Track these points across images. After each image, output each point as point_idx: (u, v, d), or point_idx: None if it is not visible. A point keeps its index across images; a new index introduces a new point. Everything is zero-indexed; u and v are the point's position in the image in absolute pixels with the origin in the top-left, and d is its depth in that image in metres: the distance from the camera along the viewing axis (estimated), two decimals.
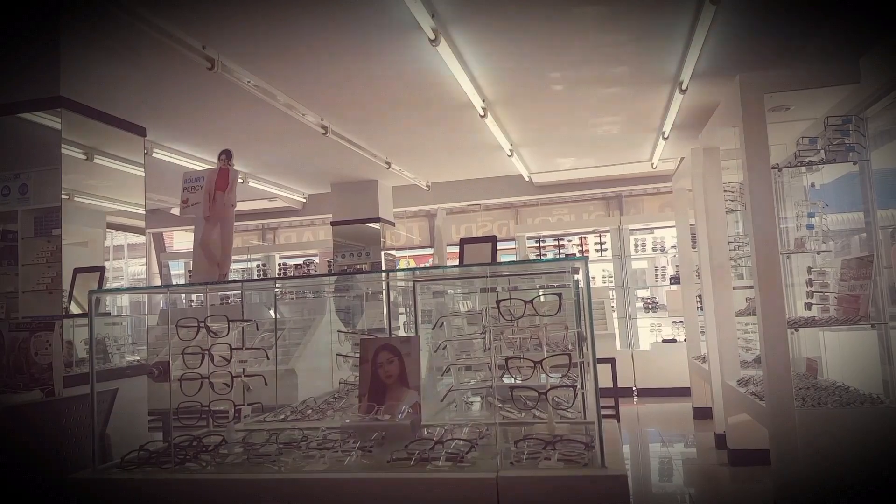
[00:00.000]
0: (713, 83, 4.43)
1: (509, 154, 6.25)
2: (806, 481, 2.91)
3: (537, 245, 8.09)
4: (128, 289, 4.07)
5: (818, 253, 3.58)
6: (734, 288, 4.36)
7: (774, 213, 3.26)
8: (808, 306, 3.48)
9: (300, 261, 9.36)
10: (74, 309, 3.20)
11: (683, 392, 6.19)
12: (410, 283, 2.81)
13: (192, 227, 2.17)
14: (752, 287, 3.71)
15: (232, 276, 2.33)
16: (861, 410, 2.94)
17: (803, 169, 3.59)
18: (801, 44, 3.81)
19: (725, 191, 4.39)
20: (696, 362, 5.42)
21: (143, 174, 3.77)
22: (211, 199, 2.05)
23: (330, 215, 7.86)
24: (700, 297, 5.14)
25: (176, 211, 8.27)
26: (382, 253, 7.56)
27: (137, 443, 2.01)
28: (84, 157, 3.43)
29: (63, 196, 3.24)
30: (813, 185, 3.80)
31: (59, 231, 3.22)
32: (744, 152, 3.28)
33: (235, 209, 2.11)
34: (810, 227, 3.57)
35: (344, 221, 7.63)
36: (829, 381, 3.44)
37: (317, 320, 5.63)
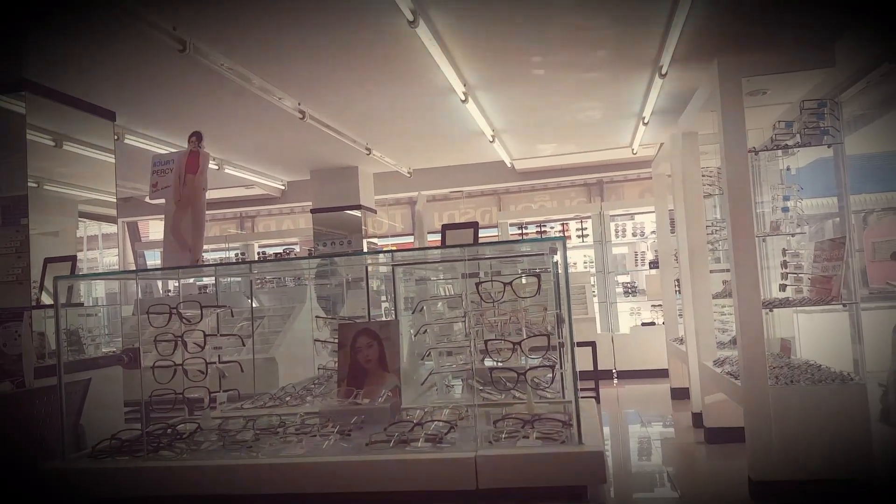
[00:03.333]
0: (692, 67, 4.44)
1: (491, 140, 6.22)
2: (779, 456, 2.98)
3: (520, 232, 8.12)
4: (94, 274, 3.96)
5: (793, 235, 3.65)
6: (711, 271, 4.42)
7: (751, 197, 3.30)
8: (783, 288, 3.54)
9: (280, 249, 9.26)
10: (46, 299, 3.12)
11: (662, 374, 6.29)
12: (391, 270, 2.79)
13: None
14: (728, 270, 3.77)
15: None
16: (832, 387, 3.02)
17: (779, 153, 3.63)
18: (778, 28, 3.84)
19: (704, 175, 4.44)
20: (674, 344, 5.51)
21: (113, 160, 3.68)
22: (181, 183, 2.00)
23: (310, 203, 7.77)
24: (678, 280, 5.20)
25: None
26: (364, 241, 7.51)
27: (113, 433, 1.97)
28: (52, 143, 3.32)
29: (31, 184, 3.14)
30: (788, 168, 3.86)
31: (27, 220, 3.13)
32: (722, 136, 3.30)
33: (208, 193, 2.06)
34: (785, 210, 3.63)
35: (324, 209, 7.55)
36: (802, 360, 3.52)
37: (297, 308, 5.58)
